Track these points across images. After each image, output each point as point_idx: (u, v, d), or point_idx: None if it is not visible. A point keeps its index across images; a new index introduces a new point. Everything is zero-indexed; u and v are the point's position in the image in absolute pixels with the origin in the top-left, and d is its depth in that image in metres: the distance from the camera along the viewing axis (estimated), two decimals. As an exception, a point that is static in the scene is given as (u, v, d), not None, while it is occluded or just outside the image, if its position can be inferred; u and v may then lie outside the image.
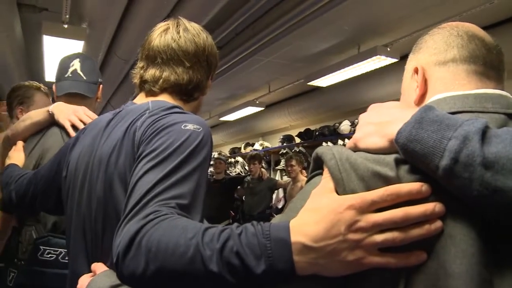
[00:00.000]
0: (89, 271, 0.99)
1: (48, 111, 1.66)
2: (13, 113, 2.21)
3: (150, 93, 1.18)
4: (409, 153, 0.65)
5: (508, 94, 0.78)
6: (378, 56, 4.42)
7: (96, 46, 4.28)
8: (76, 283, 0.98)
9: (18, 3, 3.80)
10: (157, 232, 0.71)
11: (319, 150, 0.75)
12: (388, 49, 4.43)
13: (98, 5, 3.48)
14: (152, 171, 0.87)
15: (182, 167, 0.88)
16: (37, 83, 2.24)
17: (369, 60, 4.50)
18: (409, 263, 0.63)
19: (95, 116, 1.60)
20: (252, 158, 6.10)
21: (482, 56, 0.82)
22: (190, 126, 0.97)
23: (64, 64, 1.78)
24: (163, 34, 1.17)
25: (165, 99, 1.16)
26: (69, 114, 1.61)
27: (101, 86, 1.84)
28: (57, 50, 3.84)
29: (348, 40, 4.72)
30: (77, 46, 3.79)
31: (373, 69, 4.72)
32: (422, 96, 0.85)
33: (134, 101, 1.20)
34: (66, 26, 3.59)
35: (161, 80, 1.16)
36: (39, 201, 1.29)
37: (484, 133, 0.60)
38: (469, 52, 0.82)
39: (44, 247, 1.53)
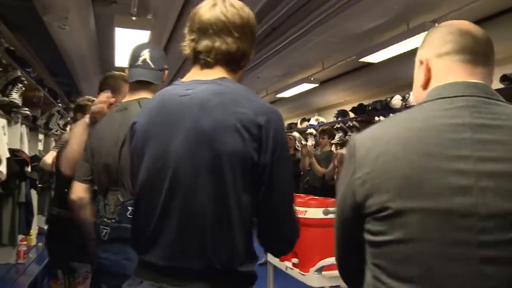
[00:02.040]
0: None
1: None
2: None
3: (206, 65, 1.30)
4: None
5: (482, 82, 1.02)
6: (426, 32, 4.48)
7: (160, 33, 4.65)
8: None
9: (92, -1, 4.26)
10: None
11: None
12: (436, 25, 4.47)
13: (163, -1, 3.86)
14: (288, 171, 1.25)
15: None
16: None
17: (417, 36, 4.57)
18: None
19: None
20: (322, 132, 6.20)
21: (471, 48, 1.05)
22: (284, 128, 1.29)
23: (136, 53, 2.05)
24: (212, 9, 1.27)
25: (219, 71, 1.30)
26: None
27: (166, 72, 2.10)
28: (127, 40, 4.27)
29: (397, 17, 4.79)
30: (144, 35, 4.19)
31: None
32: (427, 82, 1.09)
33: (193, 76, 1.33)
34: (134, 18, 3.99)
35: (214, 50, 1.27)
36: None
37: None
38: (461, 45, 1.05)
39: (132, 207, 1.83)
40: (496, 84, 4.35)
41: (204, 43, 1.29)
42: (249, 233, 1.24)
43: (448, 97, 0.98)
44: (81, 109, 3.34)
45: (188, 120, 1.21)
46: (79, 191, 2.05)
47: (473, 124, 0.92)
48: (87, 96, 3.45)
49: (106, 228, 1.94)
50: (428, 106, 1.00)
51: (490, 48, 1.07)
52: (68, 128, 7.29)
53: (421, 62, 1.11)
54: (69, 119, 7.31)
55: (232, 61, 1.31)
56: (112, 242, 1.91)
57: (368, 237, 0.98)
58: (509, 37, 4.34)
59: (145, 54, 2.02)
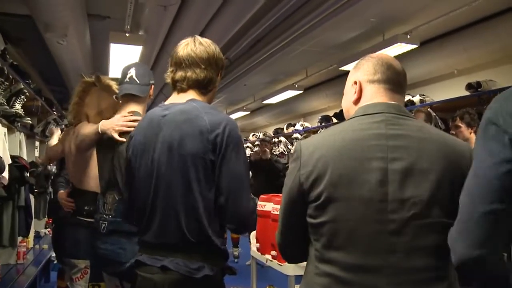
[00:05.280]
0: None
1: (98, 131, 2.35)
2: None
3: (181, 90, 1.70)
4: None
5: (397, 103, 1.35)
6: (399, 43, 4.83)
7: (151, 47, 4.97)
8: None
9: (87, 14, 4.55)
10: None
11: None
12: (408, 37, 4.80)
13: (154, 16, 4.15)
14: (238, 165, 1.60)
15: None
16: None
17: (391, 47, 4.91)
18: None
19: (132, 117, 2.27)
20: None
21: (393, 79, 1.38)
22: (240, 135, 1.65)
23: (124, 72, 2.38)
24: (185, 47, 1.68)
25: (191, 94, 1.69)
26: (113, 126, 2.28)
27: (152, 86, 2.40)
28: (121, 54, 4.58)
29: (374, 29, 5.13)
30: (136, 50, 4.51)
31: (396, 54, 5.03)
32: (358, 99, 1.40)
33: (172, 99, 1.73)
34: (128, 35, 4.30)
35: (186, 79, 1.67)
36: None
37: None
38: (387, 76, 1.37)
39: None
40: (462, 92, 4.70)
41: (179, 74, 1.69)
42: (214, 215, 1.60)
43: (371, 114, 1.31)
44: None
45: (164, 134, 1.62)
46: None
47: (388, 134, 1.25)
48: None
49: (104, 222, 2.31)
50: (357, 120, 1.33)
51: (405, 80, 1.42)
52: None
53: (355, 83, 1.40)
54: (63, 126, 7.56)
55: (200, 86, 1.71)
56: (109, 234, 2.27)
57: (310, 220, 1.29)
58: (473, 49, 4.71)
59: (132, 72, 2.36)
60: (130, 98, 2.35)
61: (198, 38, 1.74)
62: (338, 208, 1.22)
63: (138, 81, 2.33)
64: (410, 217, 1.18)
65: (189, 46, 1.69)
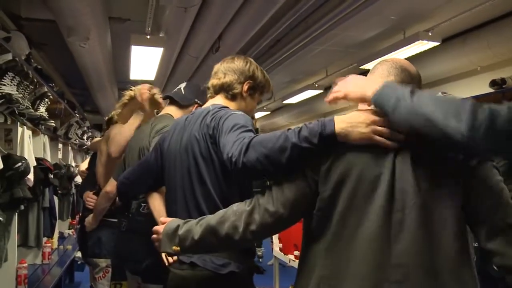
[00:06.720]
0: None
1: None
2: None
3: (211, 97, 1.87)
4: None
5: None
6: (420, 41, 4.78)
7: (171, 49, 5.00)
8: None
9: (108, 17, 4.59)
10: (258, 138, 1.33)
11: None
12: (430, 34, 4.76)
13: (174, 18, 4.18)
14: (232, 131, 1.48)
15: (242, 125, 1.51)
16: None
17: (412, 44, 4.87)
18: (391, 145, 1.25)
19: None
20: None
21: (407, 82, 1.38)
22: (237, 112, 1.65)
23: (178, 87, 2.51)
24: (219, 63, 1.88)
25: (218, 99, 1.83)
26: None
27: (195, 105, 2.42)
28: (142, 56, 4.63)
29: (394, 26, 5.12)
30: (157, 52, 4.55)
31: (417, 52, 5.06)
32: None
33: (205, 105, 1.87)
34: (148, 37, 4.34)
35: (212, 85, 1.85)
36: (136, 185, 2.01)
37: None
38: (401, 78, 1.40)
39: (144, 204, 2.25)
40: (486, 89, 4.62)
41: (209, 82, 1.89)
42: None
43: None
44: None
45: (185, 135, 1.76)
46: (113, 186, 2.49)
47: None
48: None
49: (125, 221, 2.43)
50: None
51: (420, 84, 1.44)
52: (85, 137, 7.65)
53: None
54: (85, 128, 7.68)
55: (224, 91, 1.84)
56: (128, 233, 2.37)
57: (317, 213, 1.31)
58: (497, 45, 4.63)
59: (182, 86, 2.48)
60: (172, 102, 2.45)
61: (234, 57, 1.90)
62: (350, 195, 1.25)
63: (183, 92, 2.43)
64: (412, 205, 1.22)
65: (221, 62, 1.89)
